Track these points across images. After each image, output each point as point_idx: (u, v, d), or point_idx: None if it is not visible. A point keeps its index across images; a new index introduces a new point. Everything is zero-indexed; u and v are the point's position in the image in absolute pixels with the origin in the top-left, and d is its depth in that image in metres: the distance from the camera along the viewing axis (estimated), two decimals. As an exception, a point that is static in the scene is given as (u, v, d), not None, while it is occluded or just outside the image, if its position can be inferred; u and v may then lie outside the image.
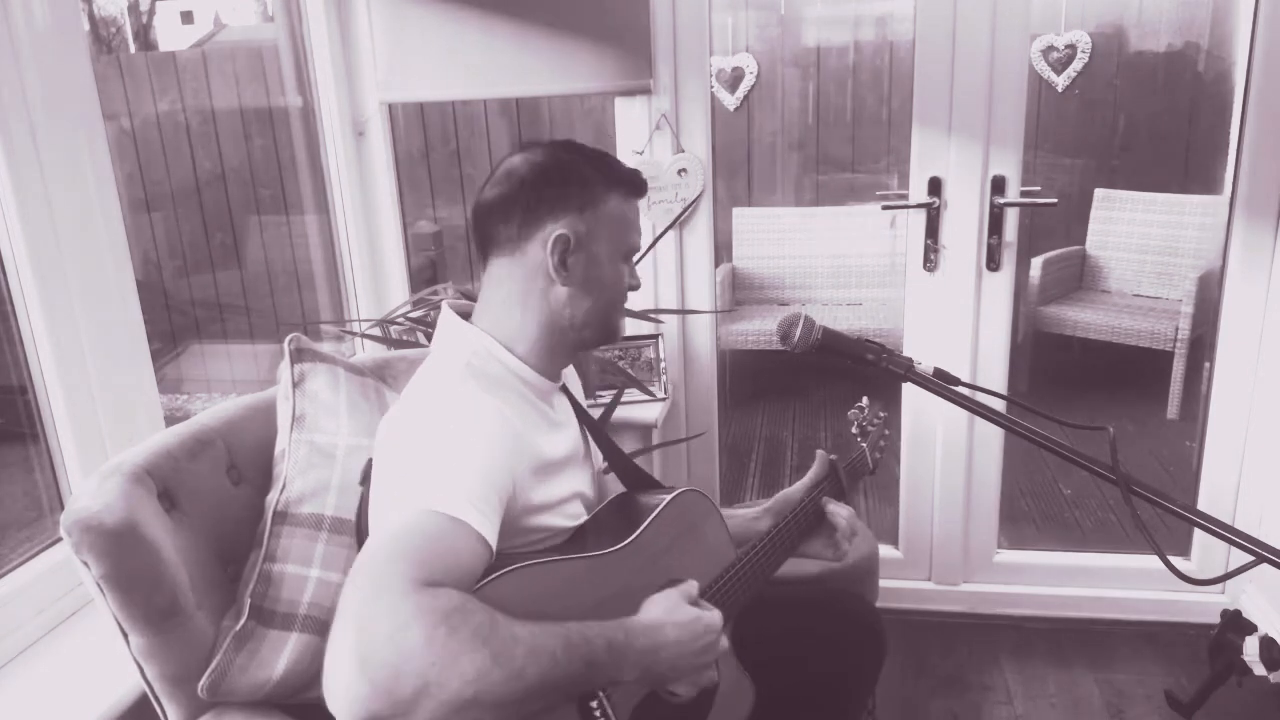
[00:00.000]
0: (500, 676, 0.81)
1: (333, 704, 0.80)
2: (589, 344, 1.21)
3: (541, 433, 1.13)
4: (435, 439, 1.01)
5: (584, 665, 0.88)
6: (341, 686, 0.79)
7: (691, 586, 1.04)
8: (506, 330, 1.15)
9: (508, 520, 1.01)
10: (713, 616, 1.02)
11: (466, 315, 1.19)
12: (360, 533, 1.14)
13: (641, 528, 1.13)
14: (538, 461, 1.09)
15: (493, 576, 0.93)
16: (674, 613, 0.99)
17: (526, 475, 1.06)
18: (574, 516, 1.17)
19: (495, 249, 1.15)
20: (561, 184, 1.12)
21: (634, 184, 1.18)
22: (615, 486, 1.31)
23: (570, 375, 1.34)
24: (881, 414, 1.57)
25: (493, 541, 0.95)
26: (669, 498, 1.19)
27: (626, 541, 1.10)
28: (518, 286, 1.14)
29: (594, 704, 0.99)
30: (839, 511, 1.36)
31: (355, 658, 0.79)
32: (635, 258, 1.22)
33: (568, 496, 1.15)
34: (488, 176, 1.17)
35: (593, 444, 1.30)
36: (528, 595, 0.95)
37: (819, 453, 1.43)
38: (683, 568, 1.16)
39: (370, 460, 1.10)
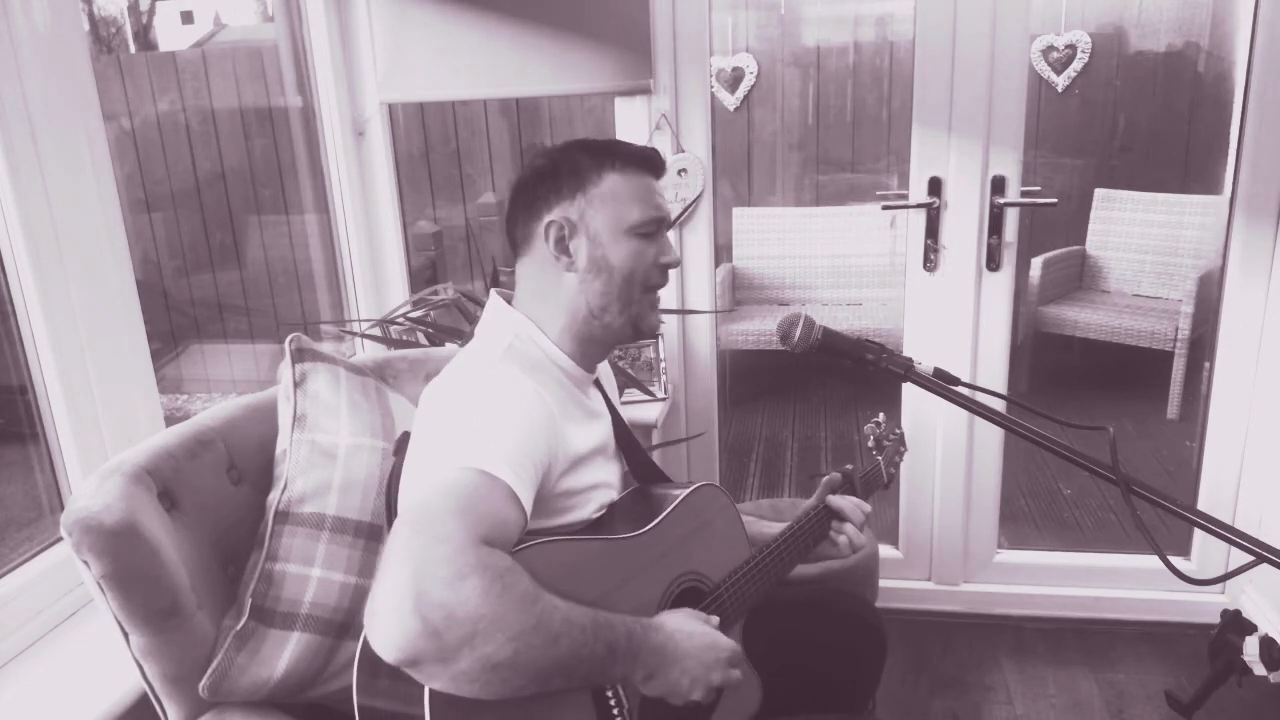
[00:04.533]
0: (539, 640, 0.85)
1: (378, 636, 0.83)
2: (616, 331, 1.19)
3: (576, 421, 1.15)
4: (476, 409, 1.04)
5: (606, 648, 0.91)
6: (392, 619, 0.82)
7: (713, 620, 1.07)
8: (541, 320, 1.19)
9: (538, 500, 1.03)
10: (726, 639, 1.05)
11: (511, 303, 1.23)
12: (390, 503, 1.18)
13: (661, 516, 1.15)
14: (570, 448, 1.11)
15: (519, 548, 0.95)
16: (685, 624, 1.03)
17: (561, 458, 1.08)
18: (600, 507, 1.18)
19: (516, 250, 1.22)
20: (552, 177, 1.17)
21: (636, 158, 1.18)
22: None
23: (605, 373, 1.36)
24: (898, 430, 1.58)
25: (528, 509, 0.97)
26: (688, 490, 1.21)
27: (646, 528, 1.12)
28: (537, 283, 1.19)
29: (609, 694, 1.00)
30: (840, 499, 1.36)
31: (411, 595, 0.82)
32: (658, 234, 1.20)
33: (596, 485, 1.17)
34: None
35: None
36: (551, 569, 0.96)
37: (835, 473, 1.44)
38: (699, 559, 1.18)
39: (404, 434, 1.11)
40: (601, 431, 1.22)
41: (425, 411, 1.09)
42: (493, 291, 1.24)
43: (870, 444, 1.52)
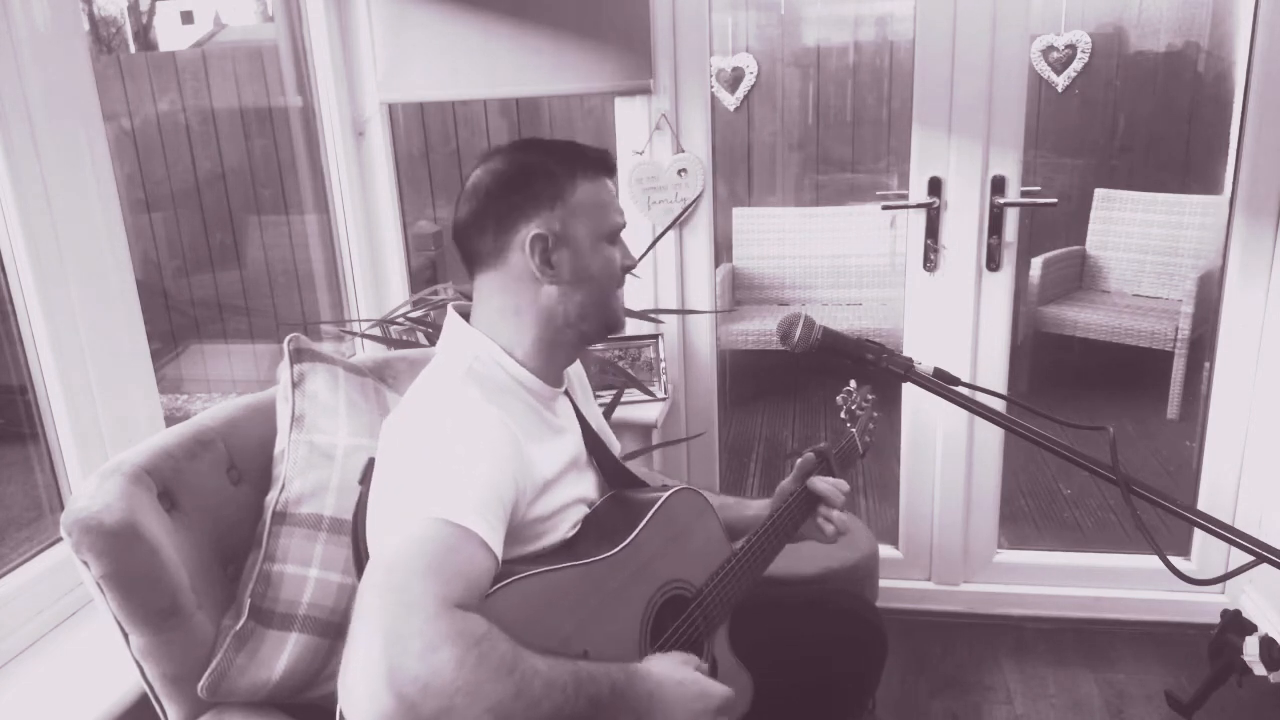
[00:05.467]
0: (519, 707, 0.82)
1: (353, 713, 0.80)
2: (591, 336, 1.19)
3: (543, 441, 1.13)
4: (440, 447, 1.01)
5: (589, 704, 0.89)
6: (365, 695, 0.79)
7: (703, 665, 1.05)
8: (505, 338, 1.14)
9: (510, 530, 1.01)
10: (717, 687, 1.03)
11: (470, 316, 1.18)
12: (357, 532, 1.13)
13: (636, 531, 1.13)
14: (538, 473, 1.08)
15: (496, 588, 0.93)
16: (675, 671, 1.00)
17: (529, 488, 1.06)
18: (574, 525, 1.16)
19: (479, 264, 1.15)
20: (526, 185, 1.12)
21: (601, 164, 1.16)
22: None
23: (578, 372, 1.33)
24: (870, 396, 1.55)
25: (498, 552, 0.95)
26: (662, 498, 1.18)
27: (622, 546, 1.10)
28: (509, 297, 1.13)
29: None
30: (820, 481, 1.34)
31: (384, 670, 0.79)
32: (624, 236, 1.19)
33: (569, 504, 1.15)
34: (458, 196, 1.16)
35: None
36: (525, 608, 0.95)
37: (809, 453, 1.42)
38: (679, 566, 1.17)
39: (370, 460, 1.09)
40: (570, 446, 1.19)
41: (388, 448, 1.05)
42: (450, 307, 1.20)
43: (842, 415, 1.49)
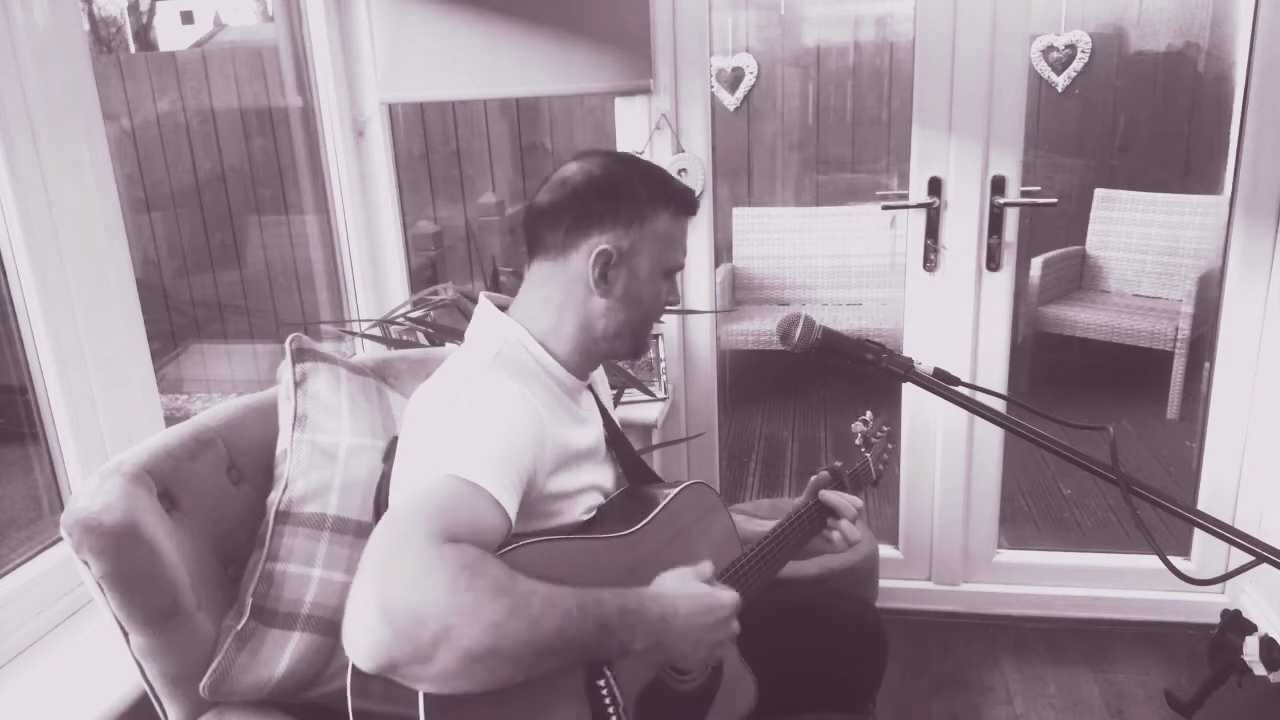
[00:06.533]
0: (517, 626, 0.83)
1: (353, 650, 0.82)
2: (617, 355, 1.22)
3: (565, 425, 1.14)
4: (461, 414, 1.03)
5: (596, 625, 0.89)
6: (363, 631, 0.81)
7: (706, 567, 1.05)
8: (541, 327, 1.17)
9: (525, 504, 1.03)
10: (726, 594, 1.03)
11: (504, 307, 1.21)
12: (379, 510, 1.17)
13: (651, 515, 1.15)
14: (560, 449, 1.10)
15: (506, 550, 0.95)
16: (686, 586, 1.01)
17: (547, 461, 1.07)
18: (591, 509, 1.18)
19: (541, 252, 1.17)
20: (612, 197, 1.14)
21: (686, 203, 1.19)
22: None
23: (599, 375, 1.36)
24: (886, 427, 1.58)
25: (512, 515, 0.96)
26: (678, 489, 1.21)
27: (637, 527, 1.12)
28: (558, 292, 1.16)
29: (601, 683, 1.00)
30: (832, 494, 1.36)
31: (377, 603, 0.81)
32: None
33: (586, 487, 1.16)
34: (544, 180, 1.19)
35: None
36: (539, 570, 0.95)
37: (824, 470, 1.44)
38: (689, 557, 1.17)
39: (394, 439, 1.11)
40: (591, 435, 1.21)
41: (411, 418, 1.08)
42: (482, 295, 1.22)
43: (858, 441, 1.53)
